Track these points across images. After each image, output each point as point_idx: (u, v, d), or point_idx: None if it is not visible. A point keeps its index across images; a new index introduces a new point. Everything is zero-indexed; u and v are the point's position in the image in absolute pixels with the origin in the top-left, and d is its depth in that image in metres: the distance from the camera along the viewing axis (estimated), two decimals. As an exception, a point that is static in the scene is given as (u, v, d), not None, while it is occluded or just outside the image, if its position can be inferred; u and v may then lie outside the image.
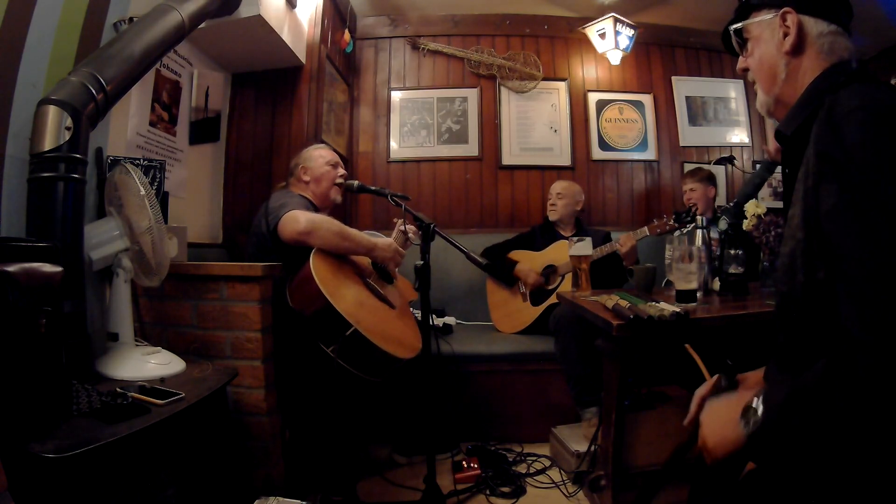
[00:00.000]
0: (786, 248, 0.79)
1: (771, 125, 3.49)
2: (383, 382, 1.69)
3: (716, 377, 0.98)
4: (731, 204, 2.19)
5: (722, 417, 0.79)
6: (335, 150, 2.24)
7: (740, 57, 0.95)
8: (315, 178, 2.00)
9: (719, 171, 3.23)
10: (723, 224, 2.04)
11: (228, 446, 1.44)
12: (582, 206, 2.80)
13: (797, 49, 0.85)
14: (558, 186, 2.78)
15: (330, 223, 1.72)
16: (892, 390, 0.61)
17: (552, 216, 2.75)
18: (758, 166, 3.40)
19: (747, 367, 1.00)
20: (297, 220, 1.68)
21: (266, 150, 2.54)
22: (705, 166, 2.84)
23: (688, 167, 3.35)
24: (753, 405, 0.74)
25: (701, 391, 0.97)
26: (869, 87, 0.73)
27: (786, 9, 0.86)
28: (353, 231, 1.79)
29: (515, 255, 2.70)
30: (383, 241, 1.87)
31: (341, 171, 2.07)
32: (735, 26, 0.94)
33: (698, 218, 2.09)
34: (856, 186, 0.67)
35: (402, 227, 2.01)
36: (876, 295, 0.63)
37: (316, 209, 1.94)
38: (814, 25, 0.84)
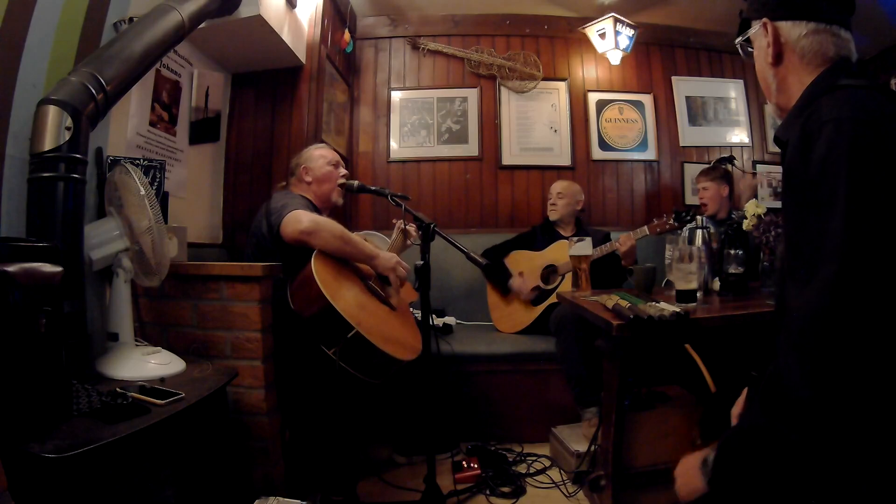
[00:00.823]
0: (780, 251, 0.79)
1: (771, 127, 3.49)
2: (383, 383, 1.69)
3: (745, 390, 0.98)
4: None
5: (690, 470, 0.83)
6: (335, 150, 2.23)
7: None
8: (317, 178, 1.99)
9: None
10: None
11: (228, 446, 1.44)
12: (582, 206, 2.79)
13: (778, 58, 0.85)
14: (558, 186, 2.77)
15: (333, 226, 1.71)
16: (818, 443, 0.64)
17: (552, 216, 2.75)
18: (758, 167, 3.41)
19: (748, 368, 1.00)
20: (299, 219, 1.67)
21: (266, 150, 2.54)
22: (722, 165, 2.83)
23: (688, 167, 3.36)
24: (708, 459, 0.79)
25: (736, 410, 0.97)
26: (857, 93, 0.71)
27: (763, 20, 0.86)
28: (356, 237, 1.78)
29: (516, 255, 2.70)
30: (386, 253, 1.85)
31: (343, 170, 2.06)
32: (738, 41, 0.95)
33: (698, 218, 2.09)
34: (802, 210, 0.66)
35: (403, 227, 2.01)
36: (811, 347, 0.63)
37: (317, 210, 1.93)
38: (791, 30, 0.83)
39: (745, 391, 0.97)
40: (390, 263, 1.82)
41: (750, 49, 0.93)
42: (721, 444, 0.78)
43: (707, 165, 2.99)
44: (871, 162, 0.64)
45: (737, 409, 0.96)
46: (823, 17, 0.82)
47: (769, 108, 0.97)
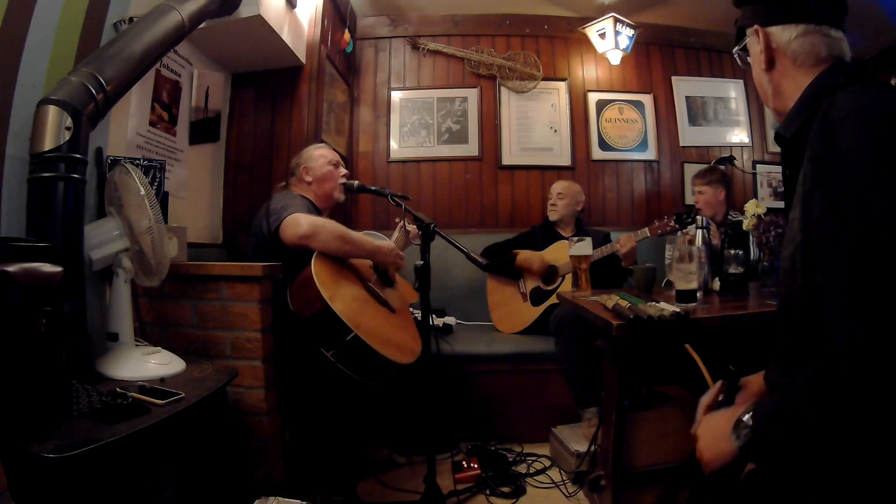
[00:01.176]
0: (786, 251, 0.79)
1: (771, 127, 3.49)
2: (383, 384, 1.69)
3: (719, 383, 0.98)
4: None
5: (716, 432, 0.81)
6: (335, 150, 2.23)
7: None
8: (317, 178, 1.99)
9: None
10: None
11: (228, 446, 1.44)
12: (582, 206, 2.79)
13: (771, 63, 0.86)
14: (559, 186, 2.77)
15: (332, 226, 1.71)
16: (872, 401, 0.62)
17: (552, 216, 2.75)
18: (758, 167, 3.41)
19: (748, 368, 1.00)
20: (298, 223, 1.67)
21: (266, 150, 2.54)
22: (720, 167, 2.80)
23: (688, 167, 3.36)
24: (744, 419, 0.76)
25: (705, 399, 0.98)
26: (868, 89, 0.72)
27: (755, 27, 0.87)
28: (355, 234, 1.78)
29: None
30: (385, 244, 1.87)
31: (343, 170, 2.06)
32: (735, 49, 0.95)
33: (698, 218, 2.10)
34: (844, 196, 0.66)
35: (404, 227, 2.01)
36: (858, 307, 0.62)
37: (317, 210, 1.93)
38: (781, 34, 0.84)
39: (720, 383, 0.98)
40: (390, 257, 1.85)
41: (748, 57, 0.94)
42: (762, 407, 0.75)
43: (705, 166, 2.96)
44: None
45: (707, 399, 0.97)
46: (812, 18, 0.82)
47: (769, 111, 0.98)
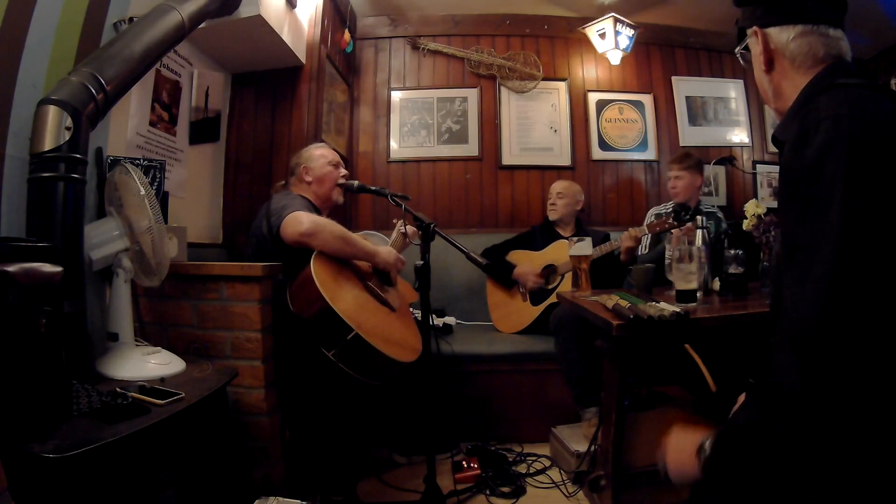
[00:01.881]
0: (775, 250, 0.79)
1: (771, 127, 3.49)
2: (383, 384, 1.69)
3: (742, 397, 0.97)
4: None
5: (683, 454, 0.82)
6: (335, 150, 2.23)
7: None
8: (317, 178, 1.99)
9: (719, 171, 3.24)
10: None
11: (228, 446, 1.44)
12: (582, 206, 2.80)
13: (770, 64, 0.86)
14: (559, 186, 2.77)
15: (333, 226, 1.71)
16: (811, 440, 0.64)
17: (552, 216, 2.75)
18: (758, 167, 3.40)
19: (748, 368, 1.00)
20: (300, 221, 1.67)
21: (266, 150, 2.54)
22: (694, 154, 2.82)
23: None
24: (705, 445, 0.78)
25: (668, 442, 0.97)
26: (851, 93, 0.71)
27: (754, 28, 0.87)
28: (356, 236, 1.79)
29: (515, 254, 2.70)
30: (385, 248, 1.88)
31: (343, 171, 2.06)
32: (737, 49, 0.95)
33: (698, 218, 2.09)
34: (797, 205, 0.66)
35: (403, 229, 2.01)
36: (807, 343, 0.63)
37: (317, 210, 1.93)
38: (779, 35, 0.84)
39: (741, 397, 0.97)
40: (391, 259, 1.86)
41: (748, 61, 0.94)
42: (718, 434, 0.78)
43: (680, 152, 2.89)
44: (869, 159, 0.64)
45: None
46: (810, 19, 0.82)
47: (770, 110, 0.97)
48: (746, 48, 0.94)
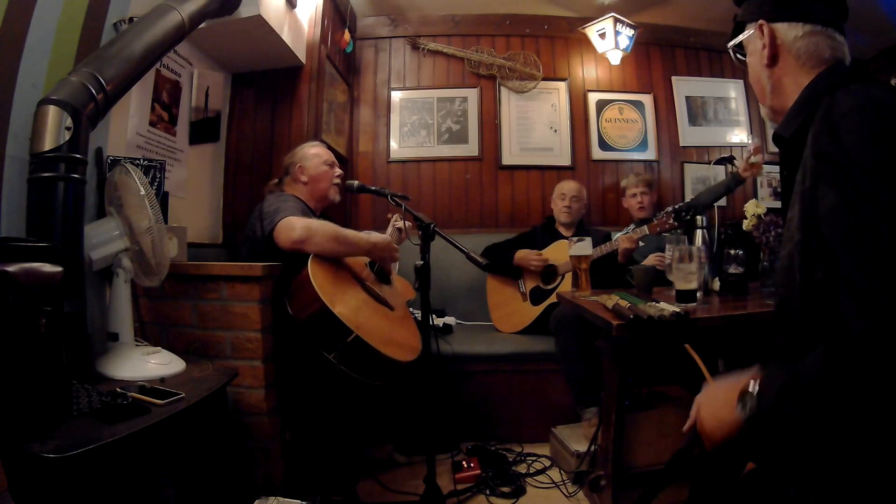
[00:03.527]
0: (784, 251, 0.79)
1: (771, 127, 3.49)
2: (383, 384, 1.69)
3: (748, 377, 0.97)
4: (680, 204, 2.21)
5: (719, 400, 0.79)
6: (330, 148, 2.22)
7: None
8: (312, 177, 1.99)
9: (719, 172, 3.23)
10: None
11: (228, 446, 1.44)
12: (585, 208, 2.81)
13: (774, 59, 0.86)
14: (573, 189, 2.74)
15: (325, 228, 1.70)
16: (888, 383, 0.61)
17: (565, 218, 2.72)
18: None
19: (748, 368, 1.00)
20: (292, 227, 1.66)
21: (266, 150, 2.54)
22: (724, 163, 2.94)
23: (688, 167, 3.36)
24: (750, 389, 0.73)
25: (701, 398, 0.96)
26: (866, 86, 0.73)
27: (760, 21, 0.87)
28: (350, 232, 1.77)
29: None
30: (380, 238, 1.86)
31: (338, 170, 2.06)
32: (731, 44, 0.95)
33: (698, 218, 2.09)
34: (853, 188, 0.66)
35: (399, 224, 2.01)
36: (875, 293, 0.63)
37: (311, 210, 1.92)
38: (787, 31, 0.84)
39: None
40: (386, 250, 1.86)
41: (741, 55, 0.94)
42: (771, 381, 0.72)
43: (643, 169, 3.17)
44: None
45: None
46: (819, 20, 0.83)
47: (762, 111, 0.97)
48: (740, 45, 0.94)
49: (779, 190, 3.36)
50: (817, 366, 0.67)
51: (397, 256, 1.93)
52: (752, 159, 2.46)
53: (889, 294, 0.61)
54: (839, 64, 0.83)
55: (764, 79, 0.89)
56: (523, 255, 2.57)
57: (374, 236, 1.86)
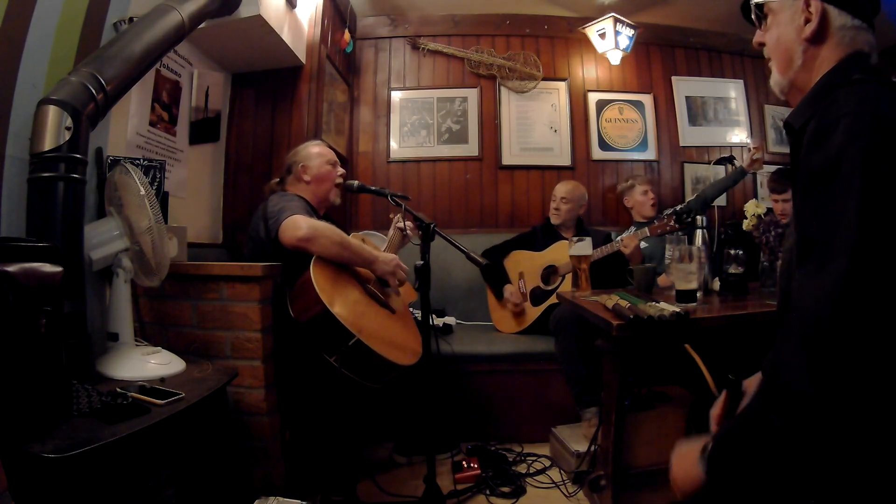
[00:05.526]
0: (787, 243, 0.79)
1: (771, 127, 3.49)
2: (382, 386, 1.69)
3: (724, 393, 0.97)
4: (681, 206, 2.23)
5: (687, 460, 0.81)
6: (330, 148, 2.22)
7: (758, 30, 0.93)
8: (316, 177, 1.97)
9: (719, 172, 3.23)
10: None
11: (228, 446, 1.44)
12: (584, 208, 2.79)
13: (817, 37, 0.83)
14: (562, 190, 2.72)
15: (331, 231, 1.69)
16: (806, 450, 0.63)
17: (554, 220, 2.73)
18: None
19: (748, 372, 1.00)
20: (298, 225, 1.65)
21: (266, 150, 2.54)
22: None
23: (688, 167, 3.37)
24: (708, 445, 0.77)
25: (715, 411, 0.96)
26: (869, 89, 0.71)
27: None
28: (355, 242, 1.76)
29: (516, 255, 2.70)
30: (385, 255, 1.84)
31: (340, 170, 2.05)
32: (755, 1, 0.92)
33: (698, 218, 2.10)
34: (819, 200, 0.66)
35: (400, 225, 2.01)
36: (819, 342, 0.62)
37: (314, 210, 1.92)
38: (837, 16, 0.82)
39: (724, 393, 0.97)
40: (389, 267, 1.81)
41: (766, 11, 0.90)
42: (719, 433, 0.77)
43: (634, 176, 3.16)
44: (889, 156, 0.64)
45: (716, 411, 0.95)
46: (867, 18, 0.83)
47: (773, 79, 0.94)
48: (761, 5, 0.90)
49: (779, 190, 3.36)
50: (749, 414, 0.71)
51: (403, 277, 1.87)
52: (756, 155, 2.47)
53: (832, 348, 0.61)
54: (857, 54, 0.81)
55: (797, 51, 0.86)
56: (509, 294, 2.59)
57: (379, 254, 1.83)
